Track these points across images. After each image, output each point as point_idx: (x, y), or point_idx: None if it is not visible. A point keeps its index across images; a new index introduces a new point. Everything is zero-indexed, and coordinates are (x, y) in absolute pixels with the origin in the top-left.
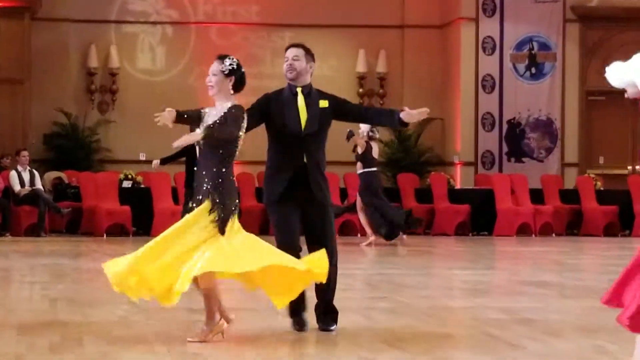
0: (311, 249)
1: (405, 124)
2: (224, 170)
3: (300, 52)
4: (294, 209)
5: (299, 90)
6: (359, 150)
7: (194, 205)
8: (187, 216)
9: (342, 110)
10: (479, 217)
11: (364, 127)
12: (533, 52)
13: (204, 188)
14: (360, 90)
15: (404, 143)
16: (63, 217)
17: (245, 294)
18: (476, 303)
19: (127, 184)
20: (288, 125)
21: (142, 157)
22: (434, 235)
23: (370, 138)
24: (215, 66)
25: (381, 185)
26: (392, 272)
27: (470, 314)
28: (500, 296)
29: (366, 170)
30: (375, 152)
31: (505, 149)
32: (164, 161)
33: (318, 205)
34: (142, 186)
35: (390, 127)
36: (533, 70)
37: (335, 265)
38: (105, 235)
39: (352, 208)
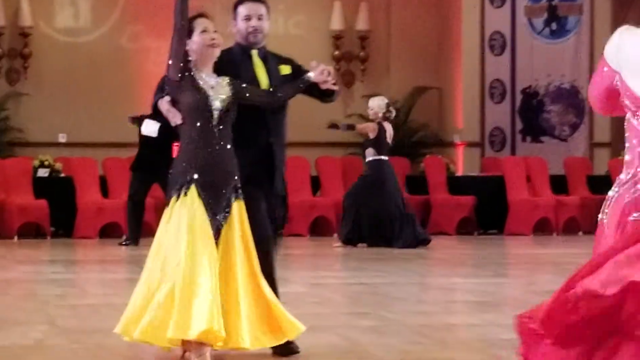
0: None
1: (329, 93)
2: None
3: (263, 9)
4: (259, 197)
5: (253, 53)
6: (371, 135)
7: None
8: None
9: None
10: (487, 211)
11: (374, 104)
12: (553, 2)
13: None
14: (336, 52)
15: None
16: None
17: None
18: (483, 320)
19: (43, 172)
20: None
21: (62, 139)
22: (430, 234)
23: (385, 119)
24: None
25: (395, 178)
26: (377, 282)
27: (475, 333)
28: (514, 311)
29: (378, 158)
30: (390, 136)
31: (519, 125)
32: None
33: (278, 195)
34: (62, 175)
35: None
36: (554, 26)
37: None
38: (16, 237)
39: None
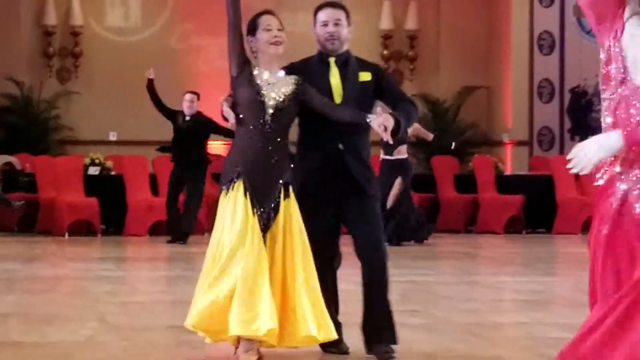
0: (361, 249)
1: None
2: None
3: (342, 14)
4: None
5: (331, 60)
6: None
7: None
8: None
9: (380, 86)
10: (535, 210)
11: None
12: None
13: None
14: (385, 52)
15: (441, 118)
16: (14, 211)
17: None
18: (531, 318)
19: (93, 170)
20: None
21: (113, 137)
22: (479, 233)
23: None
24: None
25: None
26: (426, 280)
27: (523, 331)
28: (562, 309)
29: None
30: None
31: (567, 124)
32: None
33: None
34: (113, 173)
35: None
36: None
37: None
38: (67, 234)
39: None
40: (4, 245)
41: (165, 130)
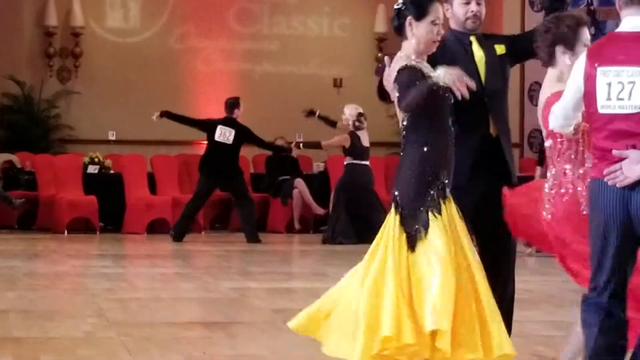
0: (488, 262)
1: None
2: None
3: None
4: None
5: (472, 39)
6: (345, 144)
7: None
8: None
9: (514, 48)
10: None
11: (347, 112)
12: (592, 7)
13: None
14: (380, 54)
15: None
16: (15, 209)
17: (238, 305)
18: (522, 317)
19: (93, 169)
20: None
21: (112, 136)
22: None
23: (356, 128)
24: None
25: (371, 181)
26: None
27: (515, 330)
28: (552, 308)
29: (354, 162)
30: (366, 140)
31: None
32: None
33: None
34: (112, 172)
35: None
36: (592, 30)
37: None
38: (66, 231)
39: None
40: (4, 242)
41: (163, 130)
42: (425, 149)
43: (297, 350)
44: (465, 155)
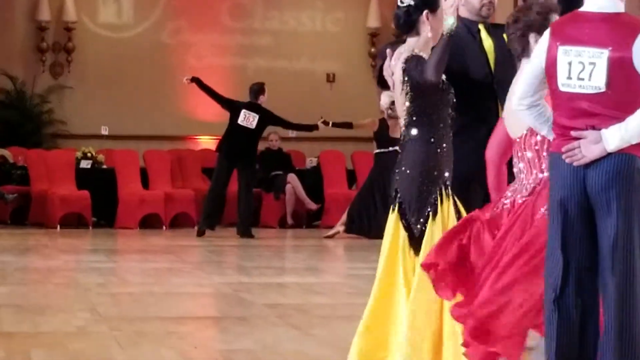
0: None
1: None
2: None
3: None
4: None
5: (481, 27)
6: (374, 128)
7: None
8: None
9: None
10: None
11: (383, 102)
12: None
13: None
14: (372, 50)
15: None
16: (7, 204)
17: (230, 300)
18: None
19: (85, 164)
20: (471, 69)
21: (105, 131)
22: None
23: (389, 117)
24: None
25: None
26: None
27: None
28: None
29: (380, 150)
30: (395, 131)
31: None
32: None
33: None
34: (105, 167)
35: None
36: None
37: None
38: (59, 226)
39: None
40: None
41: (155, 125)
42: (428, 146)
43: (290, 344)
44: (476, 145)
